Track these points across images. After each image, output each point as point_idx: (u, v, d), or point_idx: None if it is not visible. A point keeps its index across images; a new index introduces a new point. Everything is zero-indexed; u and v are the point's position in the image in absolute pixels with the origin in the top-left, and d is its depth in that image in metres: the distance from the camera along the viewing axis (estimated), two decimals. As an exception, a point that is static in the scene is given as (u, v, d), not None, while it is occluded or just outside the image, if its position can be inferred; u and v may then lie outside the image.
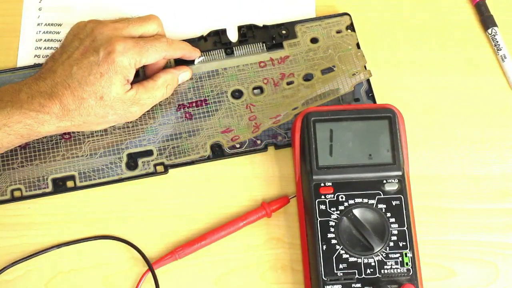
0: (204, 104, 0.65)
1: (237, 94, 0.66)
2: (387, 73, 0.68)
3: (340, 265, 0.56)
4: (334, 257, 0.57)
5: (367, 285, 0.56)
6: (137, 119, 0.64)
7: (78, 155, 0.63)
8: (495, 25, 0.69)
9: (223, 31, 0.68)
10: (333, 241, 0.57)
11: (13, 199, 0.62)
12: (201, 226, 0.62)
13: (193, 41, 0.67)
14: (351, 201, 0.58)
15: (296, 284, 0.60)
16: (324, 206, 0.58)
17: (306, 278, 0.58)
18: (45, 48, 0.69)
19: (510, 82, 0.67)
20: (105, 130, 0.64)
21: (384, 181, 0.58)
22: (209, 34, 0.68)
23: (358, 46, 0.68)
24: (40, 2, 0.71)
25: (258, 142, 0.64)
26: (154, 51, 0.61)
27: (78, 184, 0.63)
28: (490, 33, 0.69)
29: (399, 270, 0.56)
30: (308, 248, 0.58)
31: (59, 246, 0.61)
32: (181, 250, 0.60)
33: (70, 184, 0.63)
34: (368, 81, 0.66)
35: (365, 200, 0.58)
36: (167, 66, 0.66)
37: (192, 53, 0.66)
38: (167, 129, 0.64)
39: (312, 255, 0.57)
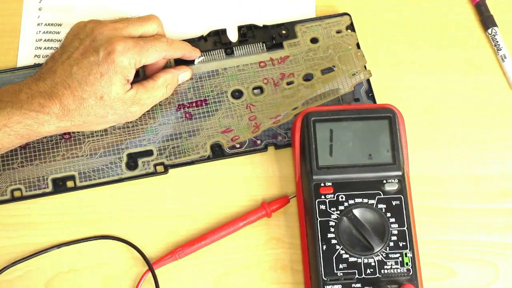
0: (204, 104, 0.65)
1: (237, 94, 0.66)
2: (387, 73, 0.68)
3: (340, 265, 0.56)
4: (334, 257, 0.57)
5: (367, 285, 0.56)
6: (137, 119, 0.64)
7: (78, 155, 0.63)
8: (495, 25, 0.69)
9: (223, 31, 0.68)
10: (333, 241, 0.57)
11: (13, 199, 0.62)
12: (201, 226, 0.62)
13: (193, 41, 0.67)
14: (351, 201, 0.58)
15: (296, 284, 0.60)
16: (324, 206, 0.58)
17: (306, 278, 0.58)
18: (45, 48, 0.69)
19: (510, 82, 0.67)
20: (105, 130, 0.64)
21: (384, 181, 0.58)
22: (209, 34, 0.68)
23: (358, 46, 0.68)
24: (40, 2, 0.71)
25: (258, 142, 0.64)
26: (154, 51, 0.61)
27: (78, 184, 0.63)
28: (490, 33, 0.69)
29: (399, 270, 0.56)
30: (308, 248, 0.58)
31: (59, 246, 0.61)
32: (181, 250, 0.60)
33: (70, 184, 0.63)
34: (368, 81, 0.66)
35: (365, 200, 0.58)
36: (167, 66, 0.66)
37: (192, 53, 0.66)
38: (167, 129, 0.64)
39: (312, 255, 0.57)
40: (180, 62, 0.66)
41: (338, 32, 0.68)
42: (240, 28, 0.68)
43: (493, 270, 0.61)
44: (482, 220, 0.62)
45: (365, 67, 0.66)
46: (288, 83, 0.66)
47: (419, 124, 0.66)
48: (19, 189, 0.62)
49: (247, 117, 0.65)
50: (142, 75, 0.65)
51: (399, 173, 0.59)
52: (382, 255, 0.57)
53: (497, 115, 0.66)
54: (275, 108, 0.65)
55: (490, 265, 0.61)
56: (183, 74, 0.65)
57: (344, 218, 0.57)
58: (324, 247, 0.57)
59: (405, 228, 0.57)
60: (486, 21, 0.69)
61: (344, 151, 0.59)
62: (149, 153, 0.64)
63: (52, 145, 0.64)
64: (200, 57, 0.67)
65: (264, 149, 0.64)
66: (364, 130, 0.59)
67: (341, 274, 0.56)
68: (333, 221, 0.57)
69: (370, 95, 0.66)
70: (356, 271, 0.56)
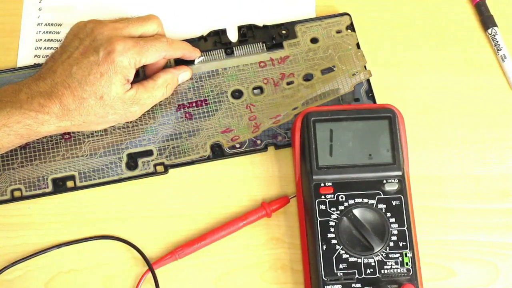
0: (204, 104, 0.65)
1: (237, 94, 0.66)
2: (387, 73, 0.68)
3: (340, 265, 0.56)
4: (334, 257, 0.57)
5: (367, 285, 0.56)
6: (137, 119, 0.64)
7: (78, 155, 0.63)
8: (495, 25, 0.69)
9: (223, 31, 0.68)
10: (333, 241, 0.57)
11: (13, 199, 0.62)
12: (201, 226, 0.62)
13: (193, 41, 0.67)
14: (351, 201, 0.58)
15: (296, 284, 0.60)
16: (324, 206, 0.58)
17: (306, 278, 0.58)
18: (45, 48, 0.69)
19: (510, 82, 0.67)
20: (105, 130, 0.64)
21: (384, 181, 0.58)
22: (209, 34, 0.68)
23: (358, 46, 0.68)
24: (40, 2, 0.71)
25: (258, 142, 0.64)
26: (154, 50, 0.61)
27: (78, 184, 0.63)
28: (490, 33, 0.69)
29: (399, 270, 0.56)
30: (308, 248, 0.58)
31: (59, 246, 0.61)
32: (181, 250, 0.60)
33: (70, 184, 0.63)
34: (368, 81, 0.66)
35: (365, 200, 0.58)
36: (167, 66, 0.66)
37: (192, 53, 0.66)
38: (167, 129, 0.64)
39: (312, 255, 0.57)
40: (180, 62, 0.66)
41: (338, 32, 0.68)
42: (240, 28, 0.68)
43: (493, 270, 0.61)
44: (482, 220, 0.62)
45: (365, 67, 0.66)
46: (288, 83, 0.66)
47: (419, 124, 0.66)
48: (19, 189, 0.62)
49: (247, 117, 0.65)
50: (142, 75, 0.65)
51: (399, 173, 0.59)
52: (382, 255, 0.57)
53: (497, 115, 0.66)
54: (275, 108, 0.65)
55: (490, 265, 0.61)
56: (183, 74, 0.65)
57: (344, 218, 0.57)
58: (324, 247, 0.57)
59: (405, 228, 0.57)
60: (486, 21, 0.69)
61: (344, 151, 0.59)
62: (149, 153, 0.64)
63: (52, 145, 0.64)
64: (200, 57, 0.67)
65: (264, 149, 0.64)
66: (364, 130, 0.59)
67: (341, 274, 0.56)
68: (333, 221, 0.57)
69: (370, 95, 0.66)
70: (356, 271, 0.56)
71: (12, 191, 0.62)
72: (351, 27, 0.69)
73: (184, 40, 0.67)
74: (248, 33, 0.68)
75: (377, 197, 0.58)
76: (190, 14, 0.70)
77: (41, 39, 0.69)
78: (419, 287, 0.56)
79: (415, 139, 0.65)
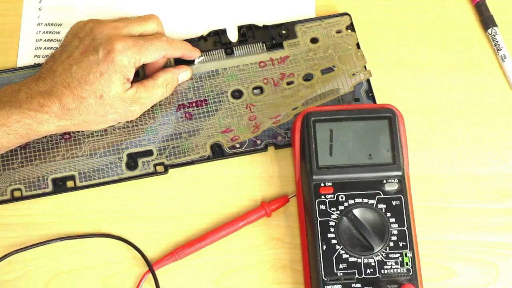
0: (204, 104, 0.65)
1: (237, 94, 0.66)
2: (387, 73, 0.68)
3: (340, 265, 0.56)
4: (334, 257, 0.57)
5: (367, 285, 0.56)
6: (137, 119, 0.64)
7: (78, 155, 0.63)
8: (495, 25, 0.69)
9: (223, 31, 0.68)
10: (333, 241, 0.57)
11: (13, 199, 0.62)
12: (201, 226, 0.62)
13: (193, 41, 0.67)
14: (351, 201, 0.58)
15: (296, 284, 0.60)
16: (324, 206, 0.58)
17: (306, 278, 0.58)
18: (45, 48, 0.69)
19: (510, 82, 0.67)
20: (105, 130, 0.64)
21: (384, 181, 0.58)
22: (209, 34, 0.68)
23: (358, 46, 0.68)
24: (40, 2, 0.71)
25: (258, 142, 0.64)
26: (154, 50, 0.61)
27: (78, 184, 0.63)
28: (490, 33, 0.69)
29: (399, 270, 0.56)
30: (308, 248, 0.58)
31: (62, 239, 0.60)
32: (181, 250, 0.60)
33: (70, 184, 0.63)
34: (368, 81, 0.66)
35: (365, 200, 0.58)
36: (167, 65, 0.66)
37: (192, 52, 0.66)
38: (167, 129, 0.64)
39: (312, 255, 0.57)
40: (180, 62, 0.66)
41: (338, 32, 0.68)
42: (240, 28, 0.68)
43: (493, 270, 0.61)
44: (482, 220, 0.62)
45: (365, 67, 0.66)
46: (288, 83, 0.66)
47: (419, 124, 0.66)
48: (19, 189, 0.62)
49: (247, 117, 0.65)
50: (142, 75, 0.65)
51: (399, 173, 0.59)
52: (382, 255, 0.57)
53: (497, 115, 0.66)
54: (275, 108, 0.65)
55: (490, 265, 0.61)
56: (183, 74, 0.65)
57: (344, 218, 0.57)
58: (324, 247, 0.57)
59: (405, 228, 0.57)
60: (486, 21, 0.69)
61: (344, 151, 0.59)
62: (149, 153, 0.64)
63: (52, 145, 0.64)
64: (200, 57, 0.67)
65: (264, 149, 0.64)
66: (364, 130, 0.59)
67: (341, 274, 0.56)
68: (333, 221, 0.57)
69: (370, 95, 0.66)
70: (356, 271, 0.56)
71: (12, 191, 0.62)
72: (351, 27, 0.69)
73: (184, 40, 0.67)
74: (248, 33, 0.68)
75: (377, 197, 0.58)
76: (190, 14, 0.70)
77: (41, 39, 0.69)
78: (419, 287, 0.56)
79: (415, 139, 0.65)
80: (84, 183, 0.63)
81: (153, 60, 0.62)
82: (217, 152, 0.64)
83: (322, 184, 0.58)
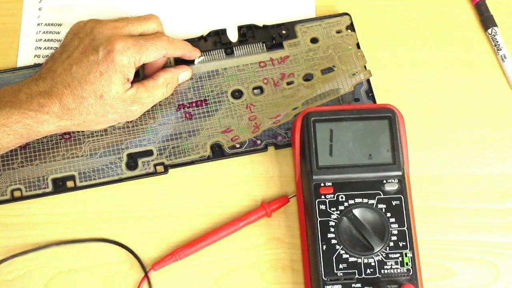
0: (204, 104, 0.65)
1: (237, 94, 0.66)
2: (387, 73, 0.68)
3: (340, 265, 0.56)
4: (334, 257, 0.57)
5: (367, 285, 0.56)
6: (137, 119, 0.64)
7: (78, 155, 0.63)
8: (495, 25, 0.69)
9: (223, 31, 0.68)
10: (333, 241, 0.57)
11: (13, 199, 0.62)
12: (201, 226, 0.62)
13: (193, 41, 0.67)
14: (351, 201, 0.58)
15: (296, 284, 0.60)
16: (324, 206, 0.58)
17: (306, 278, 0.58)
18: (45, 48, 0.69)
19: (510, 82, 0.67)
20: (105, 130, 0.64)
21: (384, 181, 0.58)
22: (209, 34, 0.68)
23: (358, 46, 0.68)
24: (40, 2, 0.71)
25: (258, 142, 0.64)
26: (154, 49, 0.61)
27: (78, 184, 0.63)
28: (490, 33, 0.69)
29: (399, 270, 0.56)
30: (308, 248, 0.58)
31: (50, 245, 0.60)
32: (182, 251, 0.60)
33: (70, 184, 0.63)
34: (368, 81, 0.66)
35: (365, 200, 0.58)
36: (166, 65, 0.66)
37: (192, 52, 0.66)
38: (167, 129, 0.64)
39: (312, 255, 0.57)
40: (180, 62, 0.66)
41: (338, 32, 0.68)
42: (240, 28, 0.68)
43: (493, 270, 0.61)
44: (482, 220, 0.62)
45: (365, 67, 0.66)
46: (288, 83, 0.66)
47: (419, 124, 0.66)
48: (19, 189, 0.62)
49: (247, 117, 0.65)
50: (142, 75, 0.65)
51: (399, 173, 0.59)
52: (382, 255, 0.57)
53: (497, 115, 0.66)
54: (275, 108, 0.65)
55: (490, 265, 0.61)
56: (183, 74, 0.65)
57: (344, 218, 0.57)
58: (324, 247, 0.57)
59: (405, 228, 0.57)
60: (486, 21, 0.69)
61: (344, 151, 0.59)
62: (149, 153, 0.64)
63: (52, 145, 0.64)
64: (200, 57, 0.67)
65: (264, 149, 0.64)
66: (364, 130, 0.59)
67: (341, 274, 0.56)
68: (333, 221, 0.57)
69: (370, 95, 0.66)
70: (356, 271, 0.56)
71: (12, 191, 0.62)
72: (351, 27, 0.69)
73: (184, 40, 0.67)
74: (248, 33, 0.68)
75: (377, 197, 0.58)
76: (190, 14, 0.70)
77: (41, 39, 0.69)
78: (419, 287, 0.56)
79: (415, 139, 0.65)
80: (84, 183, 0.63)
81: (153, 60, 0.62)
82: (217, 152, 0.64)
83: (322, 184, 0.58)
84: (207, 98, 0.66)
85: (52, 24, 0.70)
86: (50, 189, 0.62)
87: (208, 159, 0.64)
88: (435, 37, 0.69)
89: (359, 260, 0.57)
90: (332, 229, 0.57)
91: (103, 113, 0.60)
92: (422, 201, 0.63)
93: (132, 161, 0.63)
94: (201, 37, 0.68)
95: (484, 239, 0.62)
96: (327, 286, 0.56)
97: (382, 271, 0.56)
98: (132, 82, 0.61)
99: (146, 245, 0.61)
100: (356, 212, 0.58)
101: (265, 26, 0.68)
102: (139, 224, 0.62)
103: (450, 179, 0.64)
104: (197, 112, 0.65)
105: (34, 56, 0.68)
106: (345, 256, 0.57)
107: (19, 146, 0.62)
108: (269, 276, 0.60)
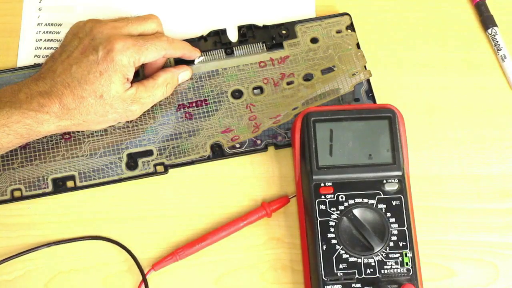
0: (204, 104, 0.65)
1: (237, 94, 0.66)
2: (387, 73, 0.68)
3: (340, 265, 0.56)
4: (334, 257, 0.57)
5: (367, 285, 0.56)
6: (137, 119, 0.64)
7: (78, 155, 0.63)
8: (495, 25, 0.69)
9: (223, 31, 0.68)
10: (333, 241, 0.57)
11: (13, 199, 0.62)
12: (201, 226, 0.62)
13: (193, 41, 0.67)
14: (351, 201, 0.58)
15: (296, 284, 0.60)
16: (324, 206, 0.58)
17: (306, 278, 0.58)
18: (45, 48, 0.69)
19: (510, 82, 0.67)
20: (105, 130, 0.64)
21: (384, 181, 0.58)
22: (209, 34, 0.68)
23: (358, 46, 0.68)
24: (40, 2, 0.71)
25: (258, 142, 0.64)
26: (154, 49, 0.61)
27: (78, 184, 0.63)
28: (490, 33, 0.69)
29: (399, 270, 0.56)
30: (308, 248, 0.58)
31: (49, 244, 0.60)
32: (182, 251, 0.60)
33: (70, 184, 0.63)
34: (368, 81, 0.66)
35: (365, 200, 0.58)
36: (166, 65, 0.66)
37: (192, 52, 0.66)
38: (167, 129, 0.64)
39: (312, 255, 0.57)
40: (180, 62, 0.66)
41: (338, 32, 0.68)
42: (240, 28, 0.68)
43: (493, 270, 0.61)
44: (482, 220, 0.62)
45: (365, 67, 0.66)
46: (288, 83, 0.66)
47: (419, 124, 0.66)
48: (19, 189, 0.62)
49: (247, 117, 0.65)
50: (142, 75, 0.65)
51: (399, 173, 0.59)
52: (382, 255, 0.57)
53: (497, 115, 0.66)
54: (275, 108, 0.65)
55: (490, 265, 0.61)
56: (183, 74, 0.65)
57: (344, 218, 0.57)
58: (324, 247, 0.57)
59: (405, 228, 0.57)
60: (486, 21, 0.69)
61: (344, 151, 0.59)
62: (149, 153, 0.64)
63: (52, 145, 0.64)
64: (200, 57, 0.67)
65: (264, 149, 0.64)
66: (364, 130, 0.59)
67: (341, 274, 0.56)
68: (333, 221, 0.57)
69: (370, 95, 0.66)
70: (356, 271, 0.56)
71: (12, 191, 0.62)
72: (351, 27, 0.69)
73: (184, 40, 0.67)
74: (248, 33, 0.68)
75: (377, 197, 0.58)
76: (190, 14, 0.70)
77: (41, 39, 0.69)
78: (419, 287, 0.56)
79: (415, 139, 0.65)
80: (84, 183, 0.63)
81: (152, 60, 0.62)
82: (217, 152, 0.64)
83: (322, 184, 0.58)
84: (207, 98, 0.66)
85: (52, 24, 0.70)
86: (50, 189, 0.62)
87: (208, 159, 0.64)
88: (435, 37, 0.69)
89: (359, 260, 0.57)
90: (332, 229, 0.57)
91: (103, 112, 0.60)
92: (422, 201, 0.63)
93: (132, 161, 0.63)
94: (201, 37, 0.68)
95: (484, 239, 0.62)
96: (327, 286, 0.56)
97: (382, 271, 0.56)
98: (132, 82, 0.61)
99: (146, 245, 0.61)
100: (356, 212, 0.58)
101: (265, 26, 0.68)
102: (139, 224, 0.62)
103: (450, 179, 0.64)
104: (197, 112, 0.65)
105: (34, 56, 0.68)
106: (345, 256, 0.57)
107: (19, 146, 0.62)
108: (269, 276, 0.60)
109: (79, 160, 0.63)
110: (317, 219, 0.57)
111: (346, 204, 0.58)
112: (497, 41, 0.68)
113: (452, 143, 0.65)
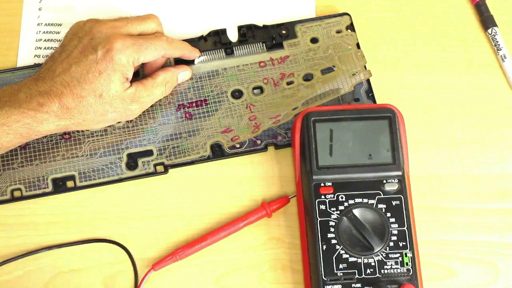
0: (204, 104, 0.65)
1: (237, 94, 0.66)
2: (387, 73, 0.68)
3: (340, 265, 0.56)
4: (334, 257, 0.57)
5: (367, 285, 0.56)
6: (137, 119, 0.64)
7: (78, 155, 0.63)
8: (495, 25, 0.69)
9: (223, 31, 0.68)
10: (333, 241, 0.57)
11: (13, 199, 0.62)
12: (201, 226, 0.62)
13: (193, 41, 0.67)
14: (351, 201, 0.58)
15: (296, 284, 0.60)
16: (324, 206, 0.58)
17: (306, 278, 0.58)
18: (45, 48, 0.69)
19: (510, 82, 0.67)
20: (105, 130, 0.64)
21: (384, 181, 0.58)
22: (209, 34, 0.68)
23: (358, 46, 0.68)
24: (40, 2, 0.71)
25: (258, 142, 0.64)
26: (153, 49, 0.61)
27: (78, 184, 0.63)
28: (490, 33, 0.69)
29: (399, 270, 0.56)
30: (308, 248, 0.58)
31: (50, 248, 0.60)
32: (182, 251, 0.60)
33: (70, 184, 0.63)
34: (368, 81, 0.66)
35: (365, 200, 0.58)
36: (166, 65, 0.66)
37: (191, 52, 0.66)
38: (167, 129, 0.64)
39: (312, 255, 0.57)
40: (180, 62, 0.66)
41: (338, 32, 0.68)
42: (240, 28, 0.68)
43: (493, 270, 0.61)
44: (482, 220, 0.62)
45: (365, 67, 0.66)
46: (288, 83, 0.66)
47: (419, 124, 0.66)
48: (19, 189, 0.62)
49: (247, 117, 0.65)
50: (142, 75, 0.65)
51: (399, 173, 0.59)
52: (382, 255, 0.57)
53: (497, 115, 0.66)
54: (275, 108, 0.65)
55: (490, 265, 0.61)
56: (183, 73, 0.65)
57: (344, 218, 0.57)
58: (324, 247, 0.57)
59: (405, 228, 0.57)
60: (486, 21, 0.69)
61: (344, 151, 0.59)
62: (149, 153, 0.64)
63: (52, 145, 0.64)
64: (200, 57, 0.67)
65: (264, 149, 0.64)
66: (364, 130, 0.59)
67: (341, 274, 0.56)
68: (333, 221, 0.57)
69: (370, 95, 0.66)
70: (356, 271, 0.56)
71: (12, 191, 0.62)
72: (351, 27, 0.69)
73: (184, 40, 0.67)
74: (248, 33, 0.68)
75: (377, 197, 0.58)
76: (190, 14, 0.70)
77: (41, 39, 0.69)
78: (419, 287, 0.56)
79: (415, 139, 0.65)
80: (84, 183, 0.63)
81: (152, 60, 0.62)
82: (217, 152, 0.64)
83: (322, 184, 0.58)
84: (207, 98, 0.66)
85: (52, 24, 0.70)
86: (50, 189, 0.62)
87: (208, 159, 0.64)
88: (435, 37, 0.69)
89: (359, 260, 0.57)
90: (332, 229, 0.57)
91: (102, 112, 0.60)
92: (422, 201, 0.63)
93: (132, 161, 0.63)
94: (201, 37, 0.68)
95: (484, 239, 0.62)
96: (327, 286, 0.56)
97: (382, 271, 0.56)
98: (132, 82, 0.61)
99: (146, 245, 0.61)
100: (356, 212, 0.58)
101: (265, 26, 0.68)
102: (139, 224, 0.62)
103: (450, 179, 0.64)
104: (197, 112, 0.65)
105: (34, 56, 0.68)
106: (345, 256, 0.57)
107: (19, 146, 0.62)
108: (269, 276, 0.60)
109: (79, 160, 0.63)
110: (317, 219, 0.57)
111: (346, 204, 0.58)
112: (497, 41, 0.68)
113: (452, 143, 0.65)
